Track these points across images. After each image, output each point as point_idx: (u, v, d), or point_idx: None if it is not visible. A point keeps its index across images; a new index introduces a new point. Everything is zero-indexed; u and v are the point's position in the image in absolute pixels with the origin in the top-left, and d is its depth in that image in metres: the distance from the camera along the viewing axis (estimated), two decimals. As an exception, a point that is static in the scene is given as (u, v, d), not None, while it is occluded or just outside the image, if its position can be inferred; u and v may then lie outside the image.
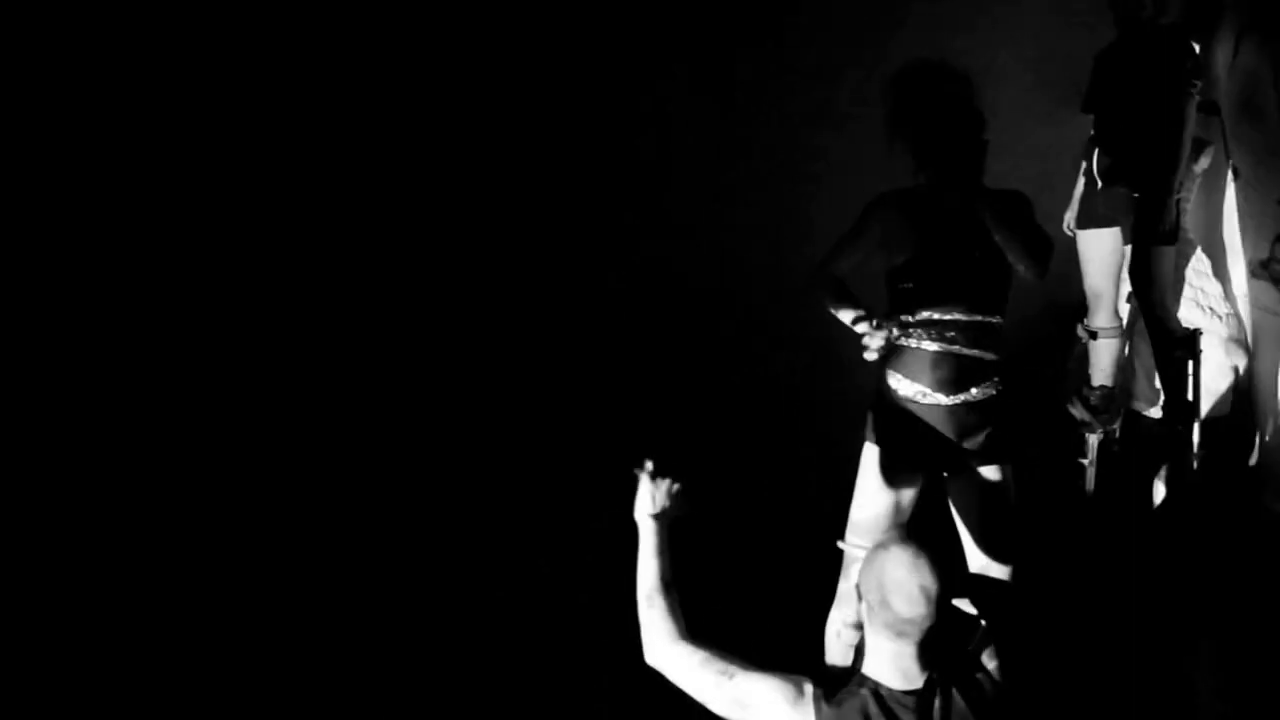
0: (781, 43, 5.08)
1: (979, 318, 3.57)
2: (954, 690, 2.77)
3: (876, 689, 2.77)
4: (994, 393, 3.60)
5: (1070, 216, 5.32)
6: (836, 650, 3.63)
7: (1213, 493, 5.03)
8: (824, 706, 2.76)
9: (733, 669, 2.84)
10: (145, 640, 3.99)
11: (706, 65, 5.05)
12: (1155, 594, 4.41)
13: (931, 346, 3.56)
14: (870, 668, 2.82)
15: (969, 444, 3.56)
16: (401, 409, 4.56)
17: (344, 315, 4.51)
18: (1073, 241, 5.24)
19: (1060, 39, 5.37)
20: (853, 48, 5.14)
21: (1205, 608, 4.35)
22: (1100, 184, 5.07)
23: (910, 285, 3.57)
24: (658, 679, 2.95)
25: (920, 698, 2.74)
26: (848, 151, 4.90)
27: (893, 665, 2.78)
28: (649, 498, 3.06)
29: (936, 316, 3.55)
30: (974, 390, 3.57)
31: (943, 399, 3.56)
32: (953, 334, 3.55)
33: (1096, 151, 5.07)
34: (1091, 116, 5.12)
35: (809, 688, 2.79)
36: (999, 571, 3.56)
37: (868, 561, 2.84)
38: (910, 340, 3.58)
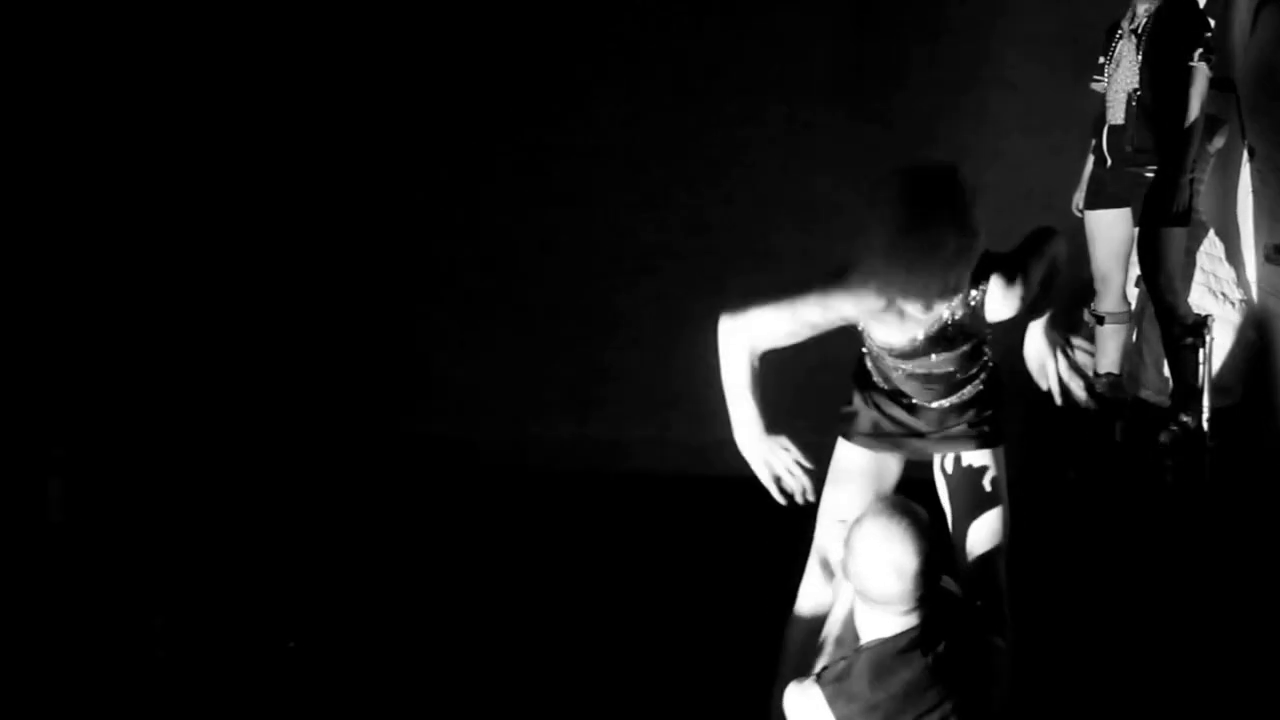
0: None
1: (957, 374, 3.37)
2: (947, 640, 2.83)
3: (867, 649, 2.82)
4: (980, 389, 3.42)
5: (1079, 196, 5.23)
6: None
7: (1222, 484, 4.93)
8: (822, 685, 2.81)
9: None
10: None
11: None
12: (1159, 583, 4.35)
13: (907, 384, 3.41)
14: (865, 637, 2.86)
15: (954, 430, 3.42)
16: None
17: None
18: (1080, 222, 5.15)
19: (1072, 10, 5.33)
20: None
21: (1210, 598, 4.28)
22: (1110, 162, 4.99)
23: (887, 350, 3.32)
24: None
25: (914, 636, 2.79)
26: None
27: (884, 628, 2.83)
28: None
29: (912, 370, 3.35)
30: (953, 398, 3.40)
31: (924, 403, 3.41)
32: (929, 381, 3.37)
33: (1107, 128, 4.99)
34: (1101, 91, 5.04)
35: (809, 681, 2.87)
36: (989, 557, 3.43)
37: (850, 535, 2.86)
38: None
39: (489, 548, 4.75)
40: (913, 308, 3.09)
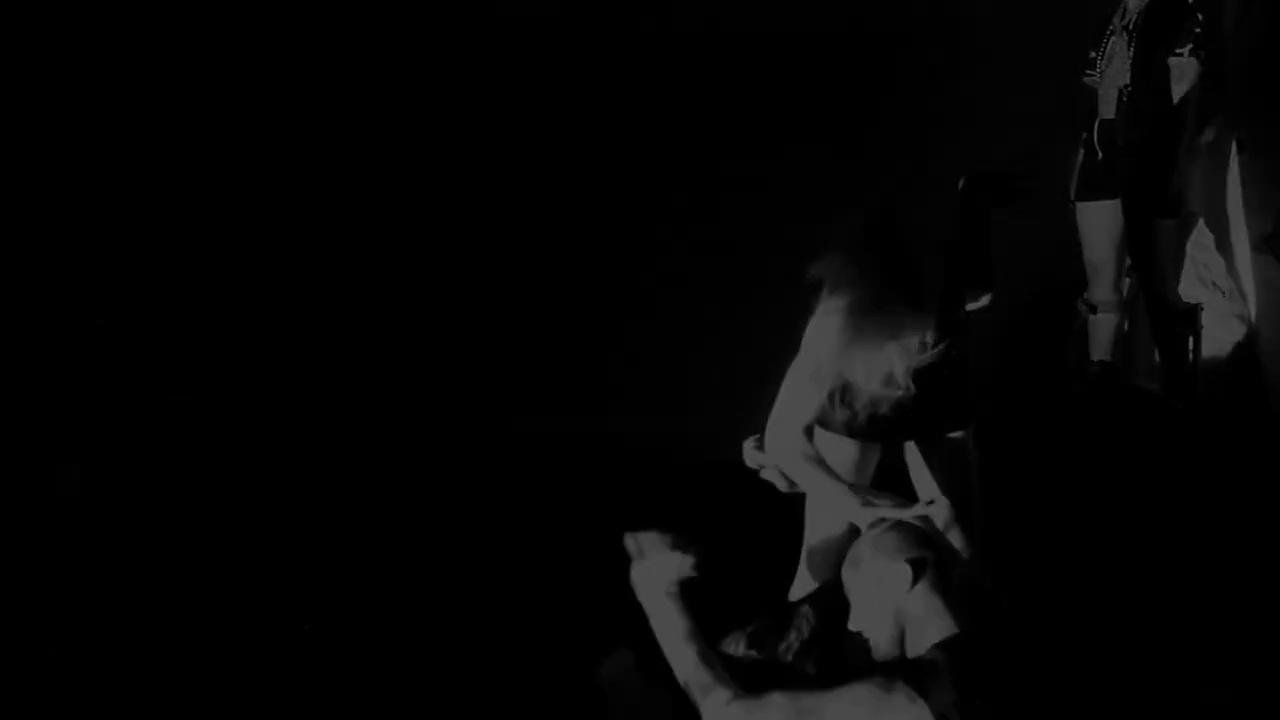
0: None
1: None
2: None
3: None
4: (948, 370, 3.41)
5: (1071, 187, 5.22)
6: None
7: (1212, 470, 4.95)
8: (923, 698, 2.55)
9: (808, 702, 2.62)
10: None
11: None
12: (1149, 572, 4.32)
13: None
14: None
15: (923, 411, 3.44)
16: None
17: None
18: (1073, 213, 5.18)
19: (1061, 2, 5.33)
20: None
21: (1201, 586, 4.28)
22: (1101, 154, 5.02)
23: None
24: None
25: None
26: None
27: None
28: (670, 568, 2.89)
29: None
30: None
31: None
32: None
33: (1098, 121, 5.01)
34: (1093, 85, 5.07)
35: (899, 684, 2.55)
36: (959, 538, 3.49)
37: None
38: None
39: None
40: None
